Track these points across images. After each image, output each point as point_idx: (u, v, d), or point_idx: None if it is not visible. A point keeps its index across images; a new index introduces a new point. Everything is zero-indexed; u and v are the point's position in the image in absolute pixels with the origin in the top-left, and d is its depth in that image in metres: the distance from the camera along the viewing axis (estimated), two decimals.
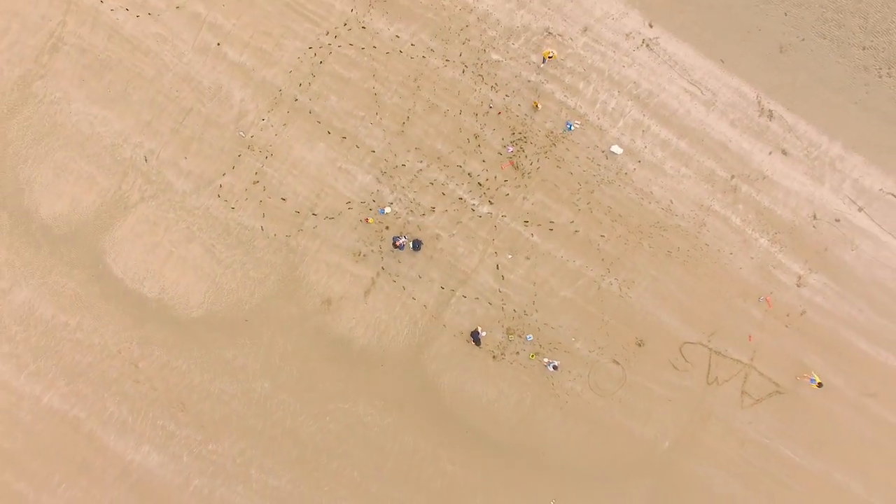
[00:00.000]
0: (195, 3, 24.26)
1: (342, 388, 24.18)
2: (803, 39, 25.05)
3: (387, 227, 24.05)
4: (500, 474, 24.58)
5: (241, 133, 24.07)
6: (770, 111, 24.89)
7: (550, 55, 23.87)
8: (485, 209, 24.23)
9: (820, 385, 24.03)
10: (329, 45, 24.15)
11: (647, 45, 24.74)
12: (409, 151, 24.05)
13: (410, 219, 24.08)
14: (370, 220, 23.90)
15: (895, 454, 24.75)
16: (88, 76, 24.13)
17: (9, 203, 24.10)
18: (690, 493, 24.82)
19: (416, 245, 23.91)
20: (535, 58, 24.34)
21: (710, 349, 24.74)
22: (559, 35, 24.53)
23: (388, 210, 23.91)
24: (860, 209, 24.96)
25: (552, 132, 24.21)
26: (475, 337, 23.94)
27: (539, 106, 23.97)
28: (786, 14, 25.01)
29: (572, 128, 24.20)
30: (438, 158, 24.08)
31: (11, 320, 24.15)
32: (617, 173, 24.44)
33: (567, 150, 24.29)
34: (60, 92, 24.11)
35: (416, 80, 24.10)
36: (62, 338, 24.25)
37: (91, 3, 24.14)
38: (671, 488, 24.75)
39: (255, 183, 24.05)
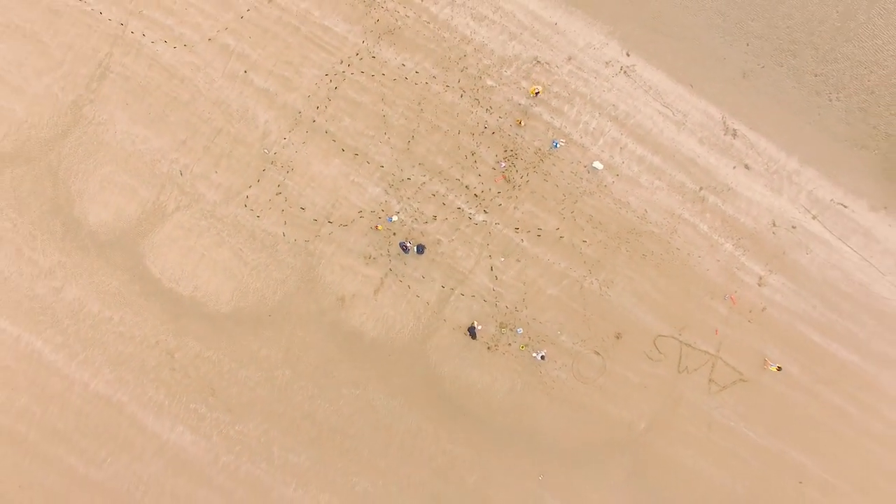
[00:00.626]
0: (225, 36, 27.55)
1: (354, 376, 27.33)
2: (763, 67, 28.21)
3: (394, 234, 27.25)
4: (494, 453, 27.65)
5: (266, 150, 27.31)
6: (734, 130, 28.04)
7: (537, 91, 27.02)
8: (480, 217, 27.40)
9: (779, 369, 27.12)
10: (343, 72, 27.41)
11: (625, 72, 27.93)
12: (413, 167, 27.26)
13: (415, 226, 27.27)
14: (379, 228, 27.11)
15: (844, 434, 27.72)
16: (131, 100, 27.42)
17: (62, 212, 27.37)
18: (664, 470, 27.84)
19: (420, 249, 27.09)
20: (525, 84, 27.58)
21: (681, 341, 27.82)
22: (546, 63, 27.75)
23: (395, 218, 27.12)
24: (814, 217, 28.06)
25: (540, 149, 27.40)
26: (472, 330, 27.10)
27: (523, 123, 27.13)
28: (748, 45, 28.20)
29: (558, 146, 27.39)
30: (439, 173, 27.28)
31: (63, 315, 27.39)
32: (598, 186, 27.60)
33: (553, 165, 27.47)
34: (107, 114, 27.40)
35: (419, 103, 27.34)
36: (107, 330, 27.47)
37: (134, 37, 27.45)
38: (647, 465, 27.76)
39: (277, 194, 27.29)
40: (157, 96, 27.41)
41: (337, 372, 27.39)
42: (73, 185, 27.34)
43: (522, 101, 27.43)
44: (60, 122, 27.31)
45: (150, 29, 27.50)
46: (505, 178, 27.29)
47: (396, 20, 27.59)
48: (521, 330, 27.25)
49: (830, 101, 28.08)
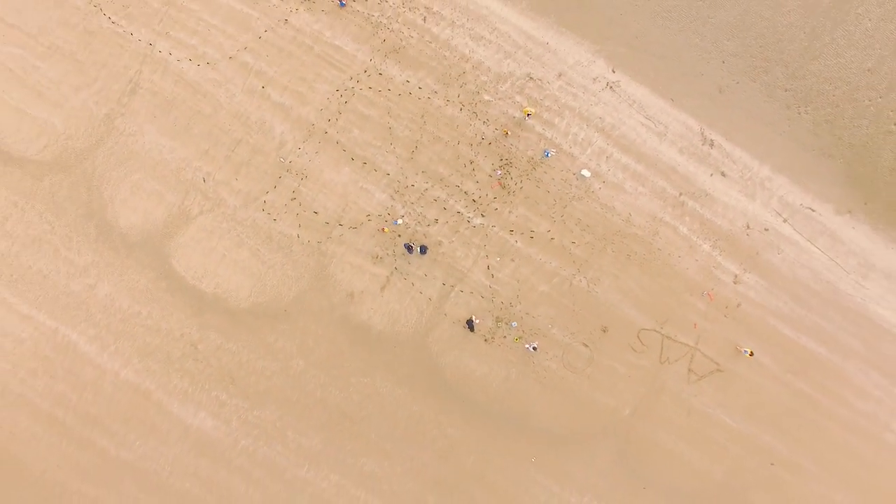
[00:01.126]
0: (244, 55, 30.14)
1: (363, 365, 29.81)
2: (738, 83, 30.72)
3: (399, 236, 29.76)
4: (491, 437, 30.08)
5: (282, 159, 29.86)
6: (711, 140, 30.53)
7: (529, 113, 29.53)
8: (478, 221, 29.91)
9: (752, 354, 29.57)
10: (352, 88, 29.98)
11: (611, 87, 30.46)
12: (417, 174, 29.79)
13: (418, 228, 29.79)
14: (385, 230, 29.62)
15: (812, 420, 30.10)
16: (159, 113, 30.00)
17: (95, 215, 29.93)
18: (647, 453, 30.25)
19: (423, 250, 29.60)
20: (519, 98, 30.14)
21: (663, 334, 30.26)
22: (539, 79, 30.30)
23: (400, 221, 29.63)
24: (785, 220, 30.52)
25: (533, 158, 29.92)
26: (470, 324, 29.57)
27: (508, 133, 29.59)
28: (723, 62, 30.71)
29: (549, 155, 29.90)
30: (441, 180, 29.81)
31: (96, 309, 29.91)
32: (586, 192, 30.10)
33: (545, 173, 29.98)
34: (136, 126, 29.97)
35: (422, 116, 29.89)
36: (136, 324, 29.99)
37: (162, 55, 30.04)
38: (631, 448, 30.18)
39: (292, 199, 29.82)
40: (182, 110, 29.98)
41: (346, 362, 29.87)
42: (105, 191, 29.89)
43: (517, 115, 29.98)
44: (94, 133, 29.89)
45: (176, 48, 30.08)
46: (500, 184, 29.80)
47: (401, 40, 30.16)
48: (515, 324, 29.72)
49: (799, 113, 30.57)
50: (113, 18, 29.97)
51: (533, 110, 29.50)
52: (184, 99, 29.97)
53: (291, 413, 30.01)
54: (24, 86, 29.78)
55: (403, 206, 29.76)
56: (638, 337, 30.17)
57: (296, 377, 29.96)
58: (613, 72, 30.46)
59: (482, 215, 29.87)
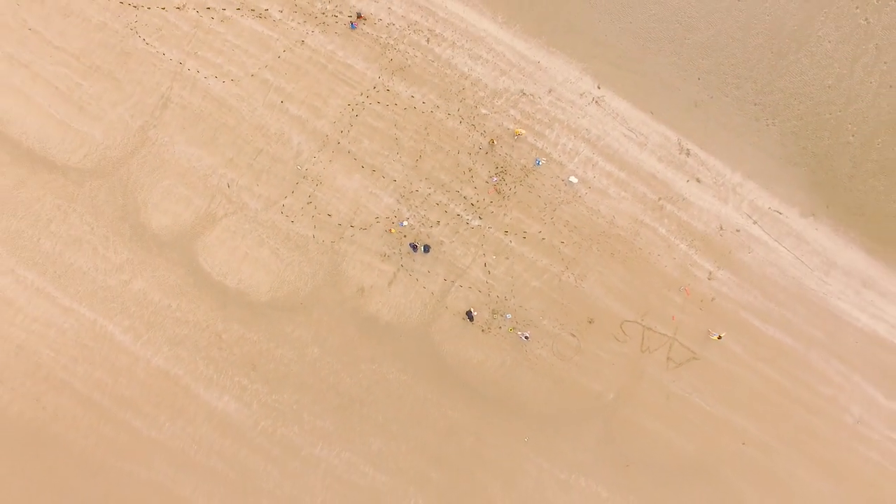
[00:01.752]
0: (265, 72, 33.36)
1: (372, 353, 32.91)
2: (712, 97, 33.89)
3: (404, 236, 32.91)
4: (487, 418, 33.14)
5: (299, 167, 33.05)
6: (687, 150, 33.67)
7: (519, 133, 32.67)
8: (476, 222, 33.06)
9: (720, 338, 32.63)
10: (362, 102, 33.18)
11: (596, 102, 33.64)
12: (421, 180, 32.96)
13: (422, 229, 32.95)
14: (392, 231, 32.79)
15: (780, 403, 33.10)
16: (188, 125, 33.21)
17: (130, 218, 33.10)
18: (629, 433, 33.27)
19: (426, 249, 32.75)
20: (513, 112, 33.33)
21: (643, 326, 33.34)
22: (531, 95, 33.50)
23: (405, 223, 32.79)
24: (754, 222, 33.62)
25: (525, 166, 33.09)
26: (469, 315, 32.68)
27: (495, 142, 32.67)
28: (699, 79, 33.88)
29: (540, 163, 33.07)
30: (442, 185, 32.99)
31: (131, 302, 33.05)
32: (573, 196, 33.24)
33: (536, 179, 33.15)
34: (168, 137, 33.18)
35: (426, 128, 33.09)
36: (166, 316, 33.13)
37: (190, 73, 33.27)
38: (614, 429, 33.18)
39: (308, 203, 32.99)
40: (208, 122, 33.19)
41: (357, 350, 32.98)
42: (139, 196, 33.08)
43: (511, 127, 33.18)
44: (130, 143, 33.10)
45: (204, 67, 33.30)
46: (496, 189, 32.97)
47: (407, 59, 33.38)
48: (509, 315, 32.83)
49: (767, 125, 33.71)
50: (147, 40, 33.21)
51: (523, 132, 32.67)
52: (210, 112, 33.18)
53: (307, 397, 33.09)
54: (67, 101, 33.01)
55: (408, 210, 32.91)
56: (621, 328, 33.25)
57: (311, 364, 33.05)
58: (599, 88, 33.64)
59: (480, 217, 33.02)
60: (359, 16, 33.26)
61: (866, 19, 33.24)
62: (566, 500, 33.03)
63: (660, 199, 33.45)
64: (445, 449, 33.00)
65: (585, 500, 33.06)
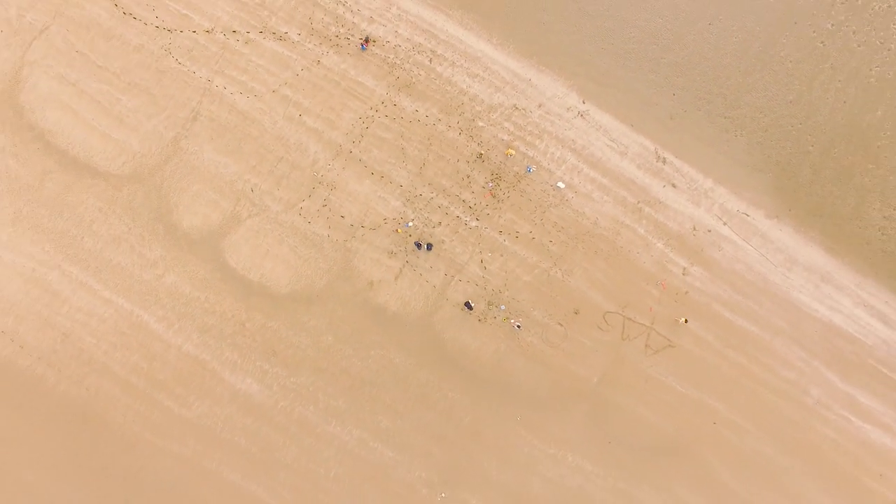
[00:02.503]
0: (285, 89, 37.24)
1: (380, 340, 36.66)
2: (686, 111, 37.68)
3: (409, 235, 36.72)
4: (483, 400, 36.81)
5: (315, 173, 36.90)
6: (664, 158, 37.44)
7: (511, 153, 36.46)
8: (473, 223, 36.87)
9: (686, 322, 36.28)
10: (372, 116, 37.06)
11: (581, 115, 37.46)
12: (424, 186, 36.80)
13: (425, 230, 36.76)
14: (399, 231, 36.60)
15: (747, 386, 36.69)
16: (215, 136, 37.09)
17: (163, 218, 36.94)
18: (611, 413, 36.89)
19: (429, 247, 36.54)
20: (507, 125, 37.16)
21: (624, 316, 37.05)
22: (523, 109, 37.35)
23: (410, 224, 36.61)
24: (724, 223, 37.35)
25: (518, 173, 36.92)
26: (468, 306, 36.44)
27: (483, 155, 36.32)
28: (674, 94, 37.68)
29: (531, 170, 36.88)
30: (443, 190, 36.82)
31: (164, 294, 36.86)
32: (561, 200, 37.03)
33: (528, 185, 36.97)
34: (197, 146, 37.06)
35: (428, 139, 36.95)
36: (196, 307, 36.91)
37: (218, 89, 37.18)
38: (598, 409, 36.83)
39: (323, 206, 36.83)
40: (234, 133, 37.07)
41: (366, 337, 36.74)
42: (172, 199, 36.93)
43: (505, 137, 37.03)
44: (164, 152, 36.99)
45: (230, 83, 37.21)
46: (492, 194, 36.80)
47: (412, 77, 37.26)
48: (503, 306, 36.60)
49: (736, 136, 37.49)
50: (179, 60, 37.14)
51: (513, 152, 36.52)
52: (236, 124, 37.06)
53: (321, 379, 36.81)
54: (108, 114, 36.93)
55: (413, 212, 36.73)
56: (604, 318, 36.96)
57: (325, 350, 36.79)
58: (583, 102, 37.47)
59: (477, 219, 36.83)
60: (367, 39, 37.16)
61: (822, 42, 37.06)
62: (554, 473, 36.67)
63: (639, 202, 37.19)
64: (445, 427, 36.68)
65: (572, 472, 36.72)
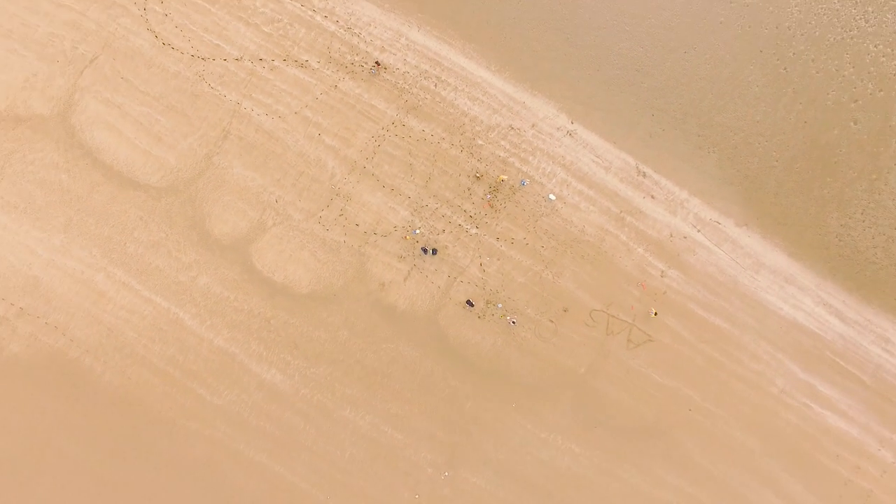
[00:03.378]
0: (306, 111, 41.75)
1: (390, 335, 41.04)
2: (664, 130, 42.10)
3: (417, 242, 41.14)
4: (483, 388, 41.11)
5: (333, 186, 41.39)
6: (644, 172, 41.84)
7: (503, 179, 40.83)
8: (474, 231, 41.28)
9: (656, 314, 40.56)
10: (383, 135, 41.55)
11: (570, 134, 41.90)
12: (430, 198, 41.26)
13: (431, 236, 41.18)
14: (407, 238, 41.02)
15: (719, 377, 40.99)
16: (244, 153, 41.61)
17: (197, 226, 41.42)
18: (597, 400, 41.17)
19: (434, 252, 40.95)
20: (504, 143, 41.62)
21: (608, 314, 41.36)
22: (518, 129, 41.81)
23: (417, 231, 41.05)
24: (698, 231, 41.70)
25: (513, 186, 41.36)
26: (469, 304, 40.81)
27: (480, 175, 40.74)
28: (652, 115, 42.10)
29: (525, 184, 41.30)
30: (447, 201, 41.26)
31: (197, 294, 41.29)
32: (551, 210, 41.43)
33: (522, 196, 41.40)
34: (227, 162, 41.58)
35: (433, 156, 41.43)
36: (226, 305, 41.33)
37: (246, 111, 41.72)
38: (585, 397, 41.11)
39: (340, 215, 41.28)
40: (260, 150, 41.59)
41: (378, 332, 41.12)
42: (205, 209, 41.42)
43: (502, 154, 41.49)
44: (197, 167, 41.51)
45: (257, 105, 41.75)
46: (490, 205, 41.24)
47: (419, 101, 41.77)
48: (500, 305, 40.96)
49: (708, 152, 41.89)
50: (212, 85, 41.71)
51: (506, 177, 40.97)
52: (262, 142, 41.58)
53: (338, 370, 41.18)
54: (148, 134, 41.48)
55: (420, 221, 41.18)
56: (590, 315, 41.30)
57: (342, 344, 41.18)
58: (572, 123, 41.93)
59: (476, 227, 41.26)
60: (378, 63, 41.67)
61: (785, 69, 41.51)
62: (546, 455, 40.94)
63: (621, 212, 41.58)
64: (449, 412, 41.00)
65: (562, 454, 40.99)
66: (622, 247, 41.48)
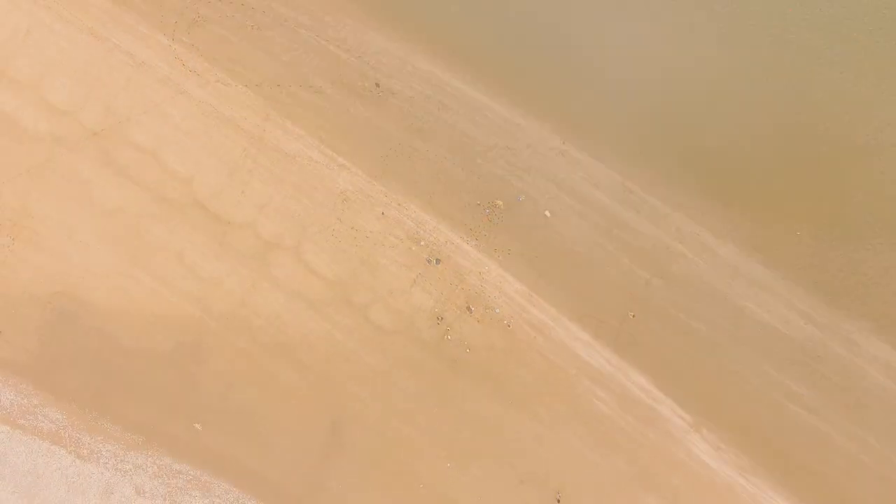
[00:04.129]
0: (320, 132, 45.71)
1: (397, 337, 45.13)
2: (649, 150, 45.73)
3: (421, 252, 45.11)
4: (481, 385, 45.12)
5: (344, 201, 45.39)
6: (630, 189, 45.54)
7: (499, 204, 44.63)
8: (473, 243, 45.16)
9: (633, 317, 44.41)
10: (390, 155, 45.45)
11: (562, 154, 45.64)
12: (433, 212, 45.18)
13: (434, 248, 45.10)
14: (413, 248, 44.96)
15: (702, 371, 44.86)
16: (263, 172, 45.68)
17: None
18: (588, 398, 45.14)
19: (437, 262, 44.88)
20: (501, 161, 45.43)
21: (597, 318, 45.18)
22: (513, 148, 45.60)
23: (422, 243, 44.97)
24: (679, 242, 45.37)
25: (509, 202, 45.21)
26: (468, 310, 44.76)
27: (501, 203, 44.84)
28: (640, 137, 45.75)
29: (521, 199, 45.12)
30: (449, 217, 45.17)
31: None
32: (545, 223, 45.26)
33: (517, 211, 45.25)
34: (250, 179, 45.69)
35: (436, 174, 45.31)
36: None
37: (271, 139, 45.75)
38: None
39: (352, 228, 45.29)
40: (277, 169, 45.64)
41: (386, 335, 45.19)
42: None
43: (499, 172, 45.33)
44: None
45: (275, 128, 45.77)
46: (488, 219, 45.11)
47: (423, 123, 45.60)
48: (498, 310, 44.90)
49: (690, 170, 45.54)
50: (234, 110, 45.78)
51: (501, 203, 44.75)
52: (279, 167, 45.64)
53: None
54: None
55: (424, 233, 45.11)
56: (580, 319, 45.16)
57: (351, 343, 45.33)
58: (563, 143, 45.67)
59: (476, 239, 45.16)
60: (377, 84, 45.49)
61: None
62: (542, 448, 44.93)
63: (609, 225, 45.34)
64: (450, 407, 45.05)
65: (553, 445, 44.97)
66: (609, 257, 45.25)
